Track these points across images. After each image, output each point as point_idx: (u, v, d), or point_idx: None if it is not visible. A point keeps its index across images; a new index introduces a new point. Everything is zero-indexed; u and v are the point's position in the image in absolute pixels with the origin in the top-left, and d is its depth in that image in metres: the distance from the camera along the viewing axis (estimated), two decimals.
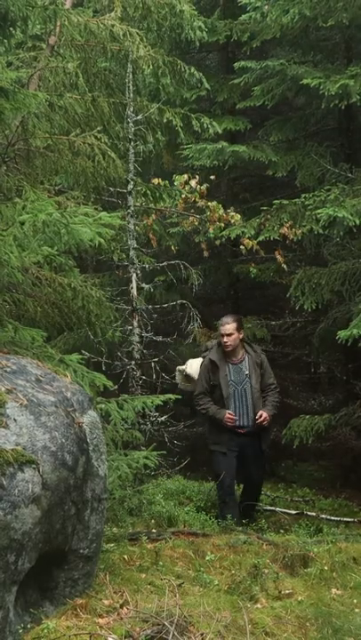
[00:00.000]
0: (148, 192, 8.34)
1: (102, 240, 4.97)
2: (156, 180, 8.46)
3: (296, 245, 9.27)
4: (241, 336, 6.53)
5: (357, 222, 7.76)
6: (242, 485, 6.88)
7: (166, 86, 8.17)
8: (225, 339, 6.42)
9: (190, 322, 8.00)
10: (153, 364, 7.59)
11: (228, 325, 6.43)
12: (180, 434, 8.39)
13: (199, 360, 6.74)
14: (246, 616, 3.82)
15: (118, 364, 7.45)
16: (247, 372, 6.44)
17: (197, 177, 8.79)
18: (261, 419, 6.31)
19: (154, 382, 7.69)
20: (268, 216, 8.85)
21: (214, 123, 8.51)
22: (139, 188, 8.07)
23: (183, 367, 6.90)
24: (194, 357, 7.04)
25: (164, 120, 8.10)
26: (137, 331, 7.45)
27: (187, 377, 6.82)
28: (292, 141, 10.19)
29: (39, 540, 3.63)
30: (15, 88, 5.25)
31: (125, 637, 3.47)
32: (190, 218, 8.83)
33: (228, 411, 6.33)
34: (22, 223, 4.61)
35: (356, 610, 4.38)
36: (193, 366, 6.78)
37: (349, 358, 10.14)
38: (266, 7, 8.86)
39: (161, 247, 9.30)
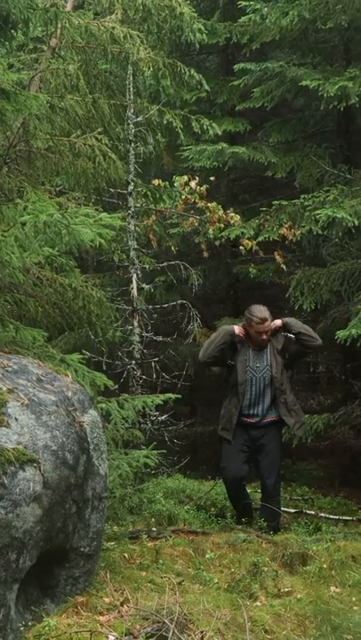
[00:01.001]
0: (149, 193, 8.35)
1: (103, 241, 4.96)
2: (156, 182, 8.46)
3: (295, 246, 9.27)
4: None
5: (356, 223, 7.77)
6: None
7: (166, 88, 8.17)
8: (264, 336, 5.98)
9: (190, 322, 8.02)
10: (153, 364, 7.60)
11: (268, 322, 5.97)
12: (180, 433, 8.40)
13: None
14: (246, 614, 3.82)
15: (119, 363, 7.46)
16: (268, 362, 6.04)
17: (197, 178, 8.80)
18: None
19: (154, 382, 7.70)
20: (268, 217, 8.86)
21: (214, 124, 8.51)
22: (139, 189, 8.07)
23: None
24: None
25: (165, 121, 8.11)
26: (137, 331, 7.46)
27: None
28: (291, 143, 10.20)
29: (40, 539, 3.63)
30: (16, 90, 5.25)
31: (126, 635, 3.47)
32: (190, 219, 8.84)
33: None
34: (23, 224, 4.61)
35: (355, 607, 4.37)
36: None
37: (348, 358, 10.14)
38: (265, 9, 8.87)
39: (161, 248, 9.30)
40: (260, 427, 6.08)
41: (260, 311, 5.99)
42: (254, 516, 6.18)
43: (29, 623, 3.56)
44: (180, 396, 6.74)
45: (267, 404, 6.06)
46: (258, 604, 4.29)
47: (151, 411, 6.98)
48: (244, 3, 9.14)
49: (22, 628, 3.51)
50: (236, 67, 9.61)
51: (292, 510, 7.13)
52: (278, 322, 6.08)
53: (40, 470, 3.58)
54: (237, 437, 6.04)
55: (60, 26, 6.86)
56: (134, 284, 7.52)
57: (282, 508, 6.97)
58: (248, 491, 6.48)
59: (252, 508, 6.21)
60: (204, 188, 8.66)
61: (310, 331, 6.15)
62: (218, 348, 6.05)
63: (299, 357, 6.46)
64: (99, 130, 6.68)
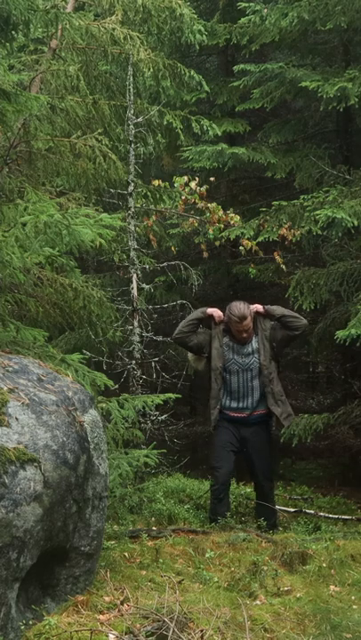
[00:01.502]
0: (149, 194, 8.35)
1: (103, 241, 4.97)
2: (156, 182, 8.46)
3: (295, 246, 9.28)
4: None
5: (355, 223, 7.78)
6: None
7: (166, 89, 8.17)
8: (244, 334, 5.84)
9: None
10: (153, 364, 7.61)
11: (248, 320, 5.81)
12: (180, 432, 8.42)
13: None
14: (245, 612, 3.82)
15: (119, 363, 7.46)
16: (255, 350, 5.86)
17: (197, 179, 8.80)
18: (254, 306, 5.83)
19: (154, 381, 7.70)
20: (268, 217, 8.86)
21: (214, 125, 8.52)
22: (139, 190, 8.08)
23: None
24: (188, 359, 6.89)
25: (165, 122, 8.11)
26: (137, 330, 7.46)
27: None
28: (290, 143, 10.21)
29: (41, 538, 3.63)
30: (17, 90, 5.25)
31: (126, 634, 3.47)
32: (190, 219, 8.84)
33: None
34: (24, 224, 4.61)
35: (354, 606, 4.37)
36: None
37: (347, 358, 10.16)
38: (265, 11, 8.88)
39: (161, 248, 9.30)
40: (250, 423, 5.90)
41: (240, 309, 5.82)
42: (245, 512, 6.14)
43: (30, 622, 3.56)
44: (179, 395, 6.73)
45: (256, 397, 5.88)
46: (257, 602, 4.29)
47: (151, 410, 6.97)
48: (243, 4, 9.16)
49: (23, 627, 3.51)
50: (235, 68, 9.62)
51: (292, 509, 7.14)
52: (260, 308, 5.94)
53: (41, 470, 3.58)
54: (226, 436, 5.89)
55: (60, 27, 6.87)
56: (134, 284, 7.52)
57: (281, 507, 6.99)
58: (248, 490, 6.47)
59: (229, 507, 6.04)
60: (203, 188, 8.66)
61: (293, 312, 6.08)
62: (188, 324, 5.91)
63: (287, 342, 6.16)
64: (99, 131, 6.69)
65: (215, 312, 5.95)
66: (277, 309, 6.00)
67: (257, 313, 5.93)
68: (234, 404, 5.90)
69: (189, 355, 6.21)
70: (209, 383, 5.98)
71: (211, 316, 5.94)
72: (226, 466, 5.88)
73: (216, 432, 5.97)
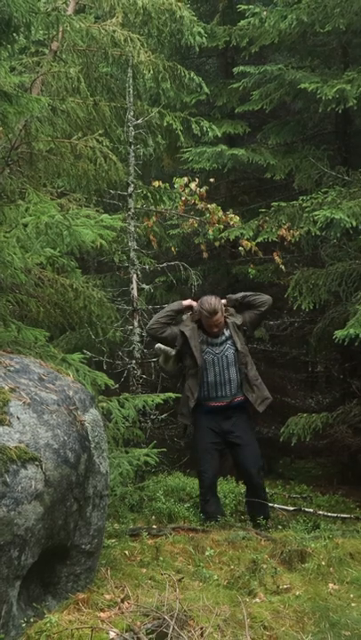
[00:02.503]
0: (149, 194, 8.35)
1: (104, 242, 4.98)
2: (156, 183, 8.47)
3: (294, 247, 9.28)
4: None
5: (354, 224, 7.78)
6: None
7: (166, 91, 8.18)
8: (215, 329, 5.82)
9: None
10: (153, 364, 7.60)
11: (218, 315, 5.78)
12: (180, 431, 8.39)
13: None
14: (245, 610, 3.82)
15: (119, 363, 7.46)
16: (229, 338, 5.84)
17: (197, 180, 8.80)
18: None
19: (154, 381, 7.70)
20: (267, 218, 8.87)
21: (214, 126, 8.53)
22: (139, 191, 8.08)
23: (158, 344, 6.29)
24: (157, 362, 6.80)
25: (165, 124, 8.12)
26: (137, 330, 7.46)
27: (164, 352, 6.07)
28: (289, 145, 10.22)
29: (42, 536, 3.63)
30: (18, 92, 5.26)
31: (126, 631, 3.46)
32: (190, 220, 8.84)
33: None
34: (25, 225, 4.62)
35: (353, 604, 4.37)
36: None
37: (346, 357, 10.16)
38: (264, 13, 8.88)
39: (161, 248, 9.31)
40: (229, 412, 5.83)
41: (210, 303, 5.79)
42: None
43: (31, 619, 3.56)
44: (179, 395, 6.73)
45: (234, 384, 5.82)
46: (257, 600, 4.29)
47: (151, 409, 6.98)
48: (243, 7, 9.16)
49: (24, 625, 3.51)
50: (235, 70, 9.62)
51: (291, 508, 7.14)
52: (223, 301, 5.93)
53: (42, 468, 3.58)
54: (208, 437, 5.84)
55: (61, 29, 6.87)
56: (134, 285, 7.52)
57: (280, 506, 6.99)
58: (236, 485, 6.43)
59: (218, 505, 6.00)
60: (203, 189, 8.66)
61: (254, 292, 6.15)
62: (165, 316, 5.93)
63: (258, 322, 6.29)
64: (99, 132, 6.69)
65: (192, 303, 6.01)
66: (237, 294, 6.10)
67: (225, 305, 5.95)
68: (213, 394, 5.83)
69: (160, 359, 6.17)
70: (182, 381, 5.96)
71: (189, 307, 5.98)
72: (210, 470, 5.86)
73: (197, 434, 5.92)
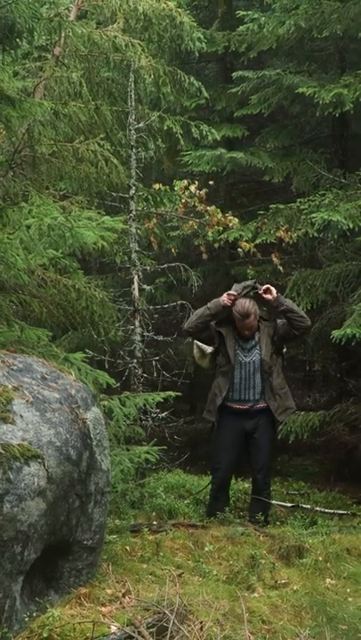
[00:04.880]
0: (150, 197, 8.34)
1: (105, 243, 4.98)
2: (156, 186, 8.46)
3: (292, 248, 9.28)
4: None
5: (351, 226, 7.78)
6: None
7: (167, 95, 8.17)
8: (247, 332, 5.78)
9: None
10: (154, 363, 7.60)
11: (251, 318, 5.71)
12: (180, 429, 8.41)
13: None
14: (244, 605, 3.82)
15: (121, 362, 7.45)
16: (258, 345, 5.78)
17: (197, 182, 8.80)
18: (265, 287, 5.69)
19: (155, 380, 7.69)
20: (265, 220, 8.86)
21: (213, 130, 8.52)
22: (140, 193, 8.07)
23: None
24: (193, 356, 6.85)
25: (165, 127, 8.11)
26: (138, 330, 7.45)
27: (200, 350, 6.08)
28: (287, 148, 10.20)
29: (44, 532, 3.63)
30: (21, 97, 5.26)
31: (127, 625, 3.46)
32: (190, 222, 8.83)
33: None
34: (28, 227, 4.62)
35: (350, 599, 4.38)
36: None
37: (343, 357, 10.15)
38: (263, 19, 8.88)
39: (162, 250, 9.30)
40: (252, 415, 5.83)
41: (243, 307, 5.71)
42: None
43: (34, 614, 3.56)
44: (179, 393, 6.73)
45: (258, 390, 5.81)
46: (255, 595, 4.29)
47: (152, 408, 6.97)
48: (242, 12, 9.16)
49: (27, 619, 3.51)
50: (234, 74, 9.62)
51: (289, 504, 7.13)
52: (273, 292, 5.77)
53: (44, 466, 3.58)
54: (230, 429, 5.84)
55: (63, 35, 6.87)
56: (136, 285, 7.51)
57: (278, 502, 6.98)
58: (246, 485, 6.44)
59: (228, 502, 6.04)
60: (203, 191, 8.65)
61: (301, 312, 5.96)
62: (202, 321, 5.80)
63: (286, 340, 6.04)
64: (101, 136, 6.68)
65: (227, 298, 5.77)
66: (288, 302, 5.94)
67: (266, 292, 5.78)
68: (237, 396, 5.85)
69: (195, 352, 6.14)
70: (217, 375, 5.91)
71: (227, 306, 5.77)
72: (224, 468, 5.90)
73: (219, 432, 5.95)
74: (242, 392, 5.85)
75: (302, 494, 8.23)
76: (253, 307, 5.77)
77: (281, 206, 8.73)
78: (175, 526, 5.31)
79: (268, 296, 5.82)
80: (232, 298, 5.76)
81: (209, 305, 5.87)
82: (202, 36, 8.15)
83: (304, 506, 7.13)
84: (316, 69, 9.67)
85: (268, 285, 5.89)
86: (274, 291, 5.84)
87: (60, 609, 3.60)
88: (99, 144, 6.51)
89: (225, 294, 5.79)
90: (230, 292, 5.80)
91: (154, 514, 5.82)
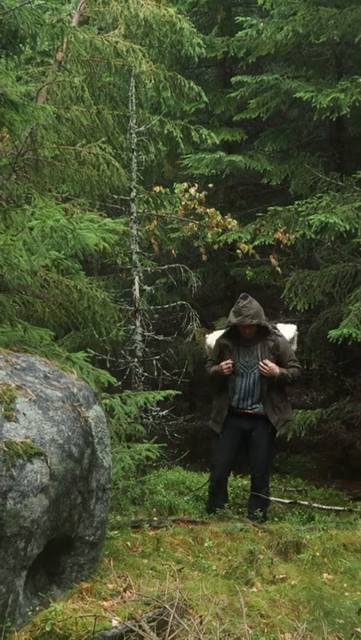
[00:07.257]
0: (150, 199, 8.34)
1: (107, 244, 4.97)
2: (157, 188, 8.46)
3: (290, 249, 9.29)
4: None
5: (347, 228, 7.78)
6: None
7: (167, 99, 8.18)
8: (247, 331, 5.86)
9: (190, 322, 8.01)
10: (154, 362, 7.60)
11: (255, 320, 5.80)
12: (180, 427, 8.40)
13: (219, 332, 6.35)
14: (242, 599, 3.82)
15: (122, 361, 7.45)
16: (259, 357, 5.85)
17: (196, 185, 8.80)
18: (263, 363, 5.76)
19: (155, 379, 7.69)
20: (263, 222, 8.87)
21: (212, 134, 8.52)
22: (141, 196, 8.07)
23: (207, 339, 6.43)
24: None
25: (165, 131, 8.11)
26: (139, 330, 7.45)
27: (210, 348, 6.24)
28: (285, 151, 10.22)
29: (47, 528, 3.63)
30: (24, 101, 5.26)
31: (128, 619, 3.47)
32: (190, 224, 8.84)
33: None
34: (31, 229, 4.62)
35: (347, 593, 4.37)
36: (213, 338, 6.27)
37: (340, 356, 10.16)
38: (261, 25, 8.88)
39: (162, 251, 9.30)
40: (251, 415, 5.92)
41: (249, 308, 5.83)
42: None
43: (37, 608, 3.56)
44: (180, 392, 6.73)
45: (256, 398, 5.90)
46: (254, 589, 4.29)
47: (152, 406, 6.97)
48: (240, 18, 9.16)
49: (30, 613, 3.51)
50: (233, 79, 9.63)
51: (287, 501, 7.13)
52: (275, 370, 5.83)
53: (47, 463, 3.58)
54: (229, 428, 5.92)
55: (65, 40, 6.87)
56: (136, 286, 7.51)
57: (277, 499, 6.98)
58: (245, 482, 6.44)
59: (226, 499, 6.06)
60: (202, 194, 8.66)
61: (295, 377, 5.99)
62: (215, 377, 5.97)
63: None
64: (103, 139, 6.68)
65: (227, 370, 5.90)
66: (284, 374, 5.90)
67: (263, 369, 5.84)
68: (234, 403, 5.95)
69: (206, 349, 6.33)
70: (221, 386, 6.00)
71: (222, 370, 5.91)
72: (222, 465, 5.95)
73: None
74: (240, 400, 5.93)
75: (300, 491, 8.23)
76: (256, 310, 5.85)
77: (279, 208, 8.74)
78: (175, 522, 5.31)
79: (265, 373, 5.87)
80: (230, 366, 5.85)
81: (212, 374, 6.00)
82: (201, 42, 8.16)
83: (302, 502, 7.12)
84: (314, 74, 9.67)
85: (266, 367, 5.87)
86: (273, 371, 5.84)
87: (63, 603, 3.60)
88: (100, 147, 6.51)
89: (224, 364, 5.86)
90: (228, 361, 5.88)
91: (154, 510, 5.82)
